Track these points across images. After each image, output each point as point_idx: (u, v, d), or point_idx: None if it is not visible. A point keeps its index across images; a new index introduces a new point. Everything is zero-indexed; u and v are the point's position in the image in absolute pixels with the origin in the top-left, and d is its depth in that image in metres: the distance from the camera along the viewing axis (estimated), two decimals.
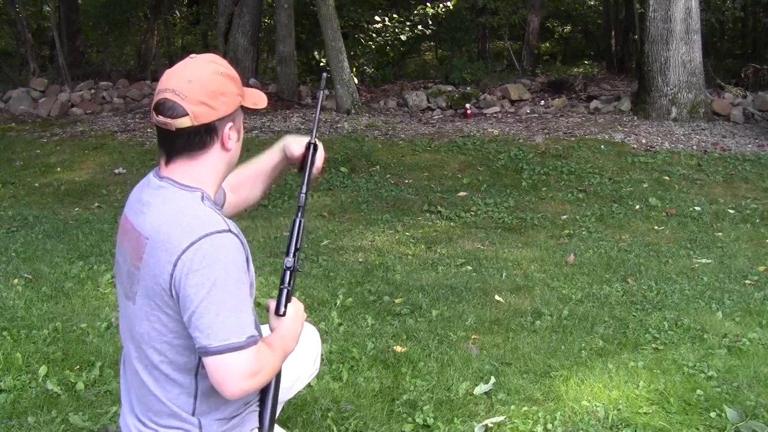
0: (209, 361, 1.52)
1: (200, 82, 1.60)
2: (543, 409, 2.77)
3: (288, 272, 1.75)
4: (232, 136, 1.67)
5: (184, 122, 1.58)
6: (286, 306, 1.72)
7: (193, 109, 1.58)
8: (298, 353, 1.89)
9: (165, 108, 1.59)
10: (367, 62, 14.45)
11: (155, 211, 1.61)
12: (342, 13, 12.05)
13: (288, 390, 2.04)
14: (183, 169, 1.64)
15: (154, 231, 1.58)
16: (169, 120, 1.58)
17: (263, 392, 1.72)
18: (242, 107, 1.71)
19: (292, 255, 1.77)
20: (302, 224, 1.83)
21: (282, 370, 1.73)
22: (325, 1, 10.00)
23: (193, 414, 1.64)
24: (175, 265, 1.52)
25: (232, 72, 1.69)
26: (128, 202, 1.74)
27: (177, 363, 1.61)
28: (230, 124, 1.66)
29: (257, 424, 1.72)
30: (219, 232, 1.55)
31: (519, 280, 4.42)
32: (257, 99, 1.75)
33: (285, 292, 1.72)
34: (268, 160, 2.06)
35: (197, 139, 1.61)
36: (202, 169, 1.64)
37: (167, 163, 1.65)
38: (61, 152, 8.69)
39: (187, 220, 1.56)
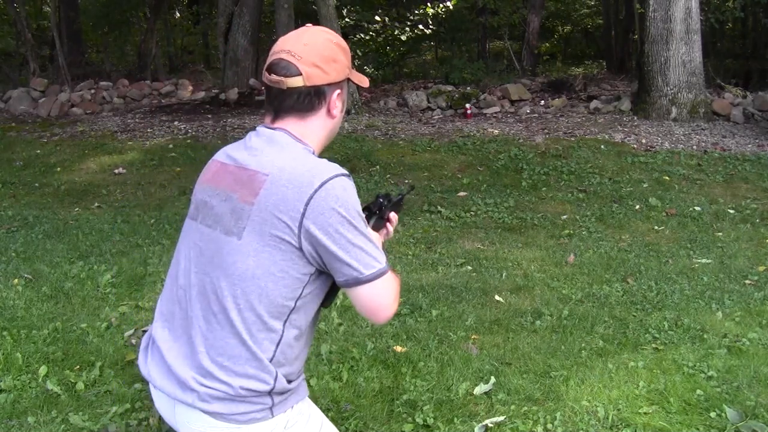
0: (362, 291, 1.61)
1: (315, 47, 1.68)
2: (543, 409, 2.77)
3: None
4: (338, 104, 1.73)
5: (296, 81, 1.65)
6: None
7: (307, 70, 1.65)
8: None
9: (279, 67, 1.66)
10: (367, 62, 14.46)
11: (272, 152, 1.66)
12: (342, 13, 12.04)
13: None
14: (292, 126, 1.70)
15: (275, 168, 1.62)
16: (282, 78, 1.65)
17: None
18: (349, 81, 1.78)
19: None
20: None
21: None
22: (325, 1, 10.01)
23: (272, 361, 1.65)
24: (307, 204, 1.57)
25: (345, 45, 1.76)
26: (219, 153, 1.77)
27: (275, 303, 1.63)
28: (338, 91, 1.72)
29: (303, 396, 1.75)
30: (344, 174, 1.63)
31: (519, 280, 4.42)
32: (362, 79, 1.84)
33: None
34: None
35: (306, 100, 1.68)
36: (308, 129, 1.71)
37: (274, 120, 1.71)
38: (61, 152, 8.69)
39: (312, 163, 1.63)
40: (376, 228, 1.95)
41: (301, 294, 1.64)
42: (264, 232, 1.59)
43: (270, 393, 1.64)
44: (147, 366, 1.75)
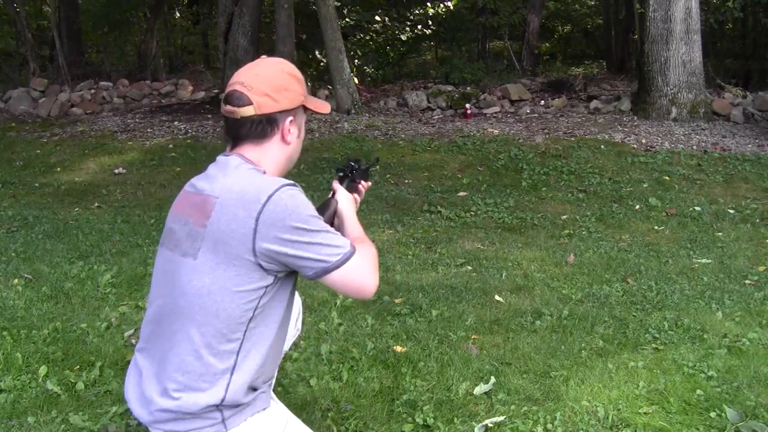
0: (335, 277, 1.69)
1: (266, 77, 1.78)
2: (543, 409, 2.77)
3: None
4: (292, 130, 1.83)
5: (248, 111, 1.75)
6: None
7: (257, 100, 1.75)
8: None
9: (233, 98, 1.77)
10: (367, 62, 14.45)
11: (223, 176, 1.75)
12: (342, 13, 12.04)
13: None
14: (248, 153, 1.79)
15: (224, 191, 1.70)
16: (235, 108, 1.76)
17: None
18: (305, 108, 1.88)
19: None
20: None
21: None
22: (325, 1, 10.00)
23: (231, 373, 1.69)
24: (258, 220, 1.64)
25: (298, 74, 1.86)
26: (186, 185, 1.87)
27: (233, 315, 1.68)
28: (290, 118, 1.82)
29: (260, 408, 1.77)
30: (289, 184, 1.71)
31: (519, 280, 4.41)
32: (320, 105, 1.94)
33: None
34: None
35: (259, 128, 1.77)
36: (264, 156, 1.79)
37: (232, 148, 1.81)
38: (61, 152, 8.69)
39: (258, 180, 1.71)
40: (350, 189, 2.07)
41: (258, 304, 1.70)
42: (218, 251, 1.66)
43: (219, 407, 1.68)
44: (127, 388, 1.83)
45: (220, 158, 1.81)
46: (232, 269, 1.65)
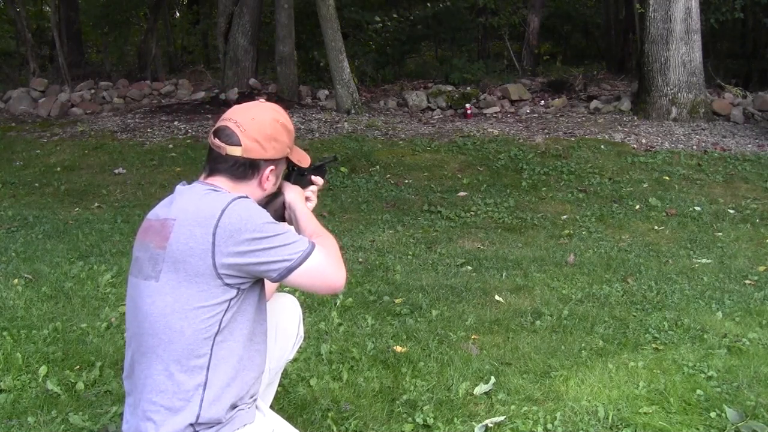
0: (299, 274, 1.70)
1: (261, 123, 1.83)
2: (543, 409, 2.76)
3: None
4: (271, 178, 1.88)
5: (235, 151, 1.80)
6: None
7: (247, 143, 1.80)
8: (280, 325, 2.12)
9: (223, 134, 1.81)
10: (367, 62, 14.44)
11: (181, 200, 1.78)
12: (342, 14, 12.04)
13: (278, 360, 2.18)
14: (221, 185, 1.82)
15: (180, 212, 1.73)
16: (223, 144, 1.80)
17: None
18: (287, 159, 1.93)
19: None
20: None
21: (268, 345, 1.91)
22: (325, 1, 10.00)
23: (204, 389, 1.70)
24: (215, 234, 1.67)
25: (290, 126, 1.92)
26: (147, 215, 1.89)
27: (198, 330, 1.70)
28: (272, 167, 1.87)
29: (245, 422, 1.78)
30: (241, 197, 1.73)
31: (519, 280, 4.41)
32: (301, 157, 2.01)
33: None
34: None
35: (241, 169, 1.82)
36: (235, 191, 1.81)
37: (207, 177, 1.84)
38: (61, 152, 8.69)
39: (211, 197, 1.74)
40: (297, 182, 2.08)
41: (223, 318, 1.72)
42: (179, 270, 1.70)
43: (194, 425, 1.70)
44: (124, 420, 1.85)
45: (179, 188, 1.83)
46: (194, 286, 1.68)
